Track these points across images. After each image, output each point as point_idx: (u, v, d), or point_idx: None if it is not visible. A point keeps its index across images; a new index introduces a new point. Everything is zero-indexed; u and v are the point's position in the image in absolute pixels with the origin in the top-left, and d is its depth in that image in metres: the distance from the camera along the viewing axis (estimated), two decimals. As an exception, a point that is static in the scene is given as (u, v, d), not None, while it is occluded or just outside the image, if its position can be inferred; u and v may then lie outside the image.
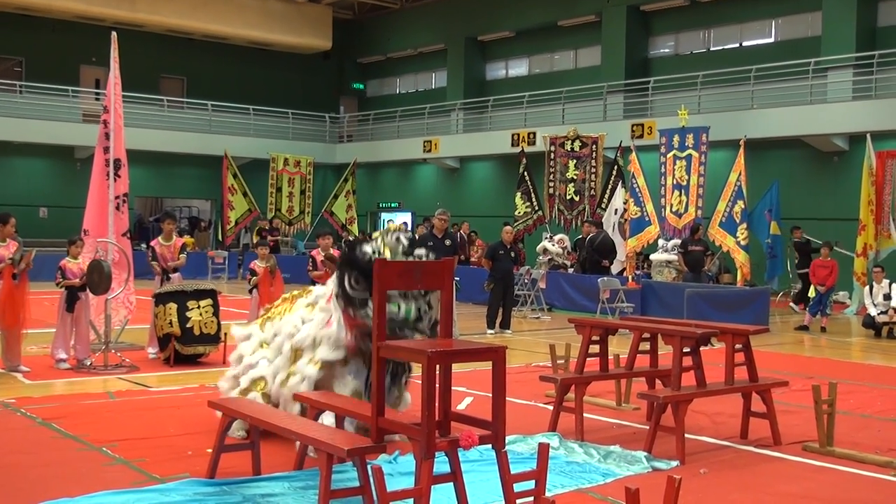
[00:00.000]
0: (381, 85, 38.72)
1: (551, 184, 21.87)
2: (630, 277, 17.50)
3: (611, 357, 8.09)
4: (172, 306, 10.74)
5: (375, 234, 6.91)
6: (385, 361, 5.16)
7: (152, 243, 12.06)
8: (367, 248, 6.70)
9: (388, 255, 6.66)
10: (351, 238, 24.35)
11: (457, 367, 5.51)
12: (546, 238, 21.10)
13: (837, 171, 22.27)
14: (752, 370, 7.54)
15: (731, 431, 7.76)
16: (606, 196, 20.99)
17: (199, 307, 10.87)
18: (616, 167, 20.98)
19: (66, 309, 10.53)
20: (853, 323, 17.50)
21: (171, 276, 11.70)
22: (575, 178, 21.52)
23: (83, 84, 31.67)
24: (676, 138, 18.77)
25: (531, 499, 5.12)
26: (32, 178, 29.97)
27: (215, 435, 6.01)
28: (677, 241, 18.50)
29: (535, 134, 26.13)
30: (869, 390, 10.16)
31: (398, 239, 6.86)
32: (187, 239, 12.71)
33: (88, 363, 10.57)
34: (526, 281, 18.31)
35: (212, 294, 11.20)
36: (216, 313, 11.06)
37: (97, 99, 29.25)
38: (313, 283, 11.66)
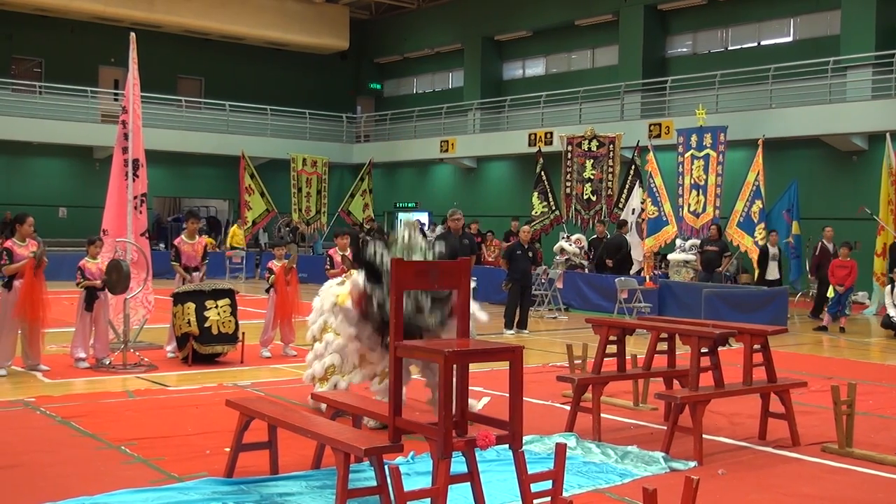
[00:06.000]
0: (398, 85, 38.76)
1: (568, 183, 21.83)
2: (647, 277, 17.46)
3: (628, 357, 8.07)
4: (190, 306, 10.79)
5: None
6: (401, 360, 5.16)
7: (175, 241, 12.08)
8: (371, 248, 6.92)
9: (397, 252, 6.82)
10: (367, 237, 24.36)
11: (474, 367, 5.51)
12: (563, 238, 21.08)
13: (857, 171, 22.13)
14: (770, 371, 7.50)
15: (749, 432, 7.72)
16: (624, 196, 20.94)
17: (216, 307, 10.92)
18: (633, 167, 20.92)
19: (86, 308, 10.59)
20: (872, 323, 17.38)
21: (192, 274, 11.75)
22: (592, 177, 21.48)
23: (102, 84, 31.88)
24: (694, 138, 18.70)
25: (548, 499, 5.11)
26: (51, 179, 30.17)
27: (233, 434, 6.03)
28: (695, 241, 18.48)
29: (552, 134, 26.09)
30: (888, 391, 10.09)
31: (408, 236, 7.01)
32: (208, 239, 12.77)
33: (107, 362, 10.64)
34: (543, 281, 18.29)
35: (229, 294, 11.25)
36: (234, 313, 11.11)
37: (116, 99, 29.41)
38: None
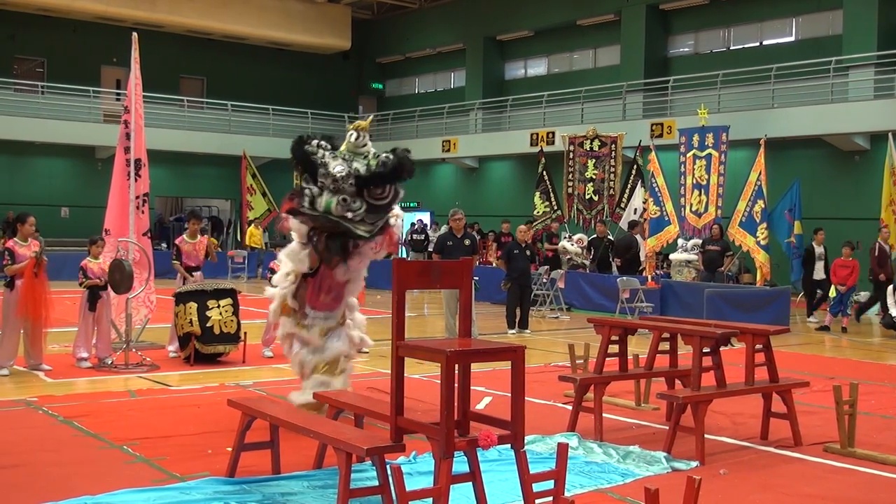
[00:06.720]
0: (399, 85, 38.76)
1: (570, 183, 21.82)
2: (649, 277, 17.46)
3: (630, 357, 8.07)
4: (192, 305, 10.79)
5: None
6: (402, 360, 5.15)
7: (177, 241, 12.09)
8: (313, 141, 7.12)
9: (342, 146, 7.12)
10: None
11: (476, 367, 5.50)
12: (565, 238, 21.09)
13: (858, 171, 22.12)
14: (772, 370, 7.50)
15: (751, 432, 7.72)
16: (626, 196, 20.95)
17: (218, 306, 10.92)
18: (635, 167, 20.92)
19: (88, 308, 10.60)
20: (874, 323, 17.36)
21: (193, 274, 11.76)
22: (594, 177, 21.47)
23: (104, 84, 31.88)
24: (696, 137, 18.69)
25: (550, 499, 5.11)
26: (54, 179, 30.20)
27: (235, 433, 6.03)
28: (697, 241, 18.48)
29: (553, 133, 26.08)
30: (890, 391, 10.08)
31: (356, 136, 7.20)
32: (211, 239, 12.79)
33: (109, 362, 10.65)
34: (545, 281, 18.30)
35: (231, 293, 11.25)
36: (236, 313, 11.10)
37: (118, 99, 29.44)
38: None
